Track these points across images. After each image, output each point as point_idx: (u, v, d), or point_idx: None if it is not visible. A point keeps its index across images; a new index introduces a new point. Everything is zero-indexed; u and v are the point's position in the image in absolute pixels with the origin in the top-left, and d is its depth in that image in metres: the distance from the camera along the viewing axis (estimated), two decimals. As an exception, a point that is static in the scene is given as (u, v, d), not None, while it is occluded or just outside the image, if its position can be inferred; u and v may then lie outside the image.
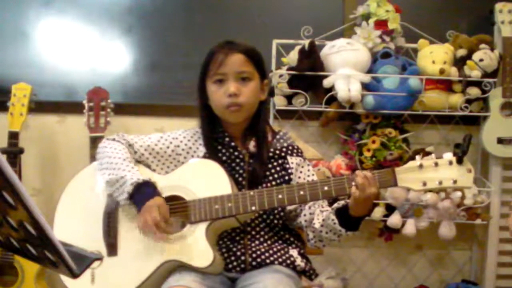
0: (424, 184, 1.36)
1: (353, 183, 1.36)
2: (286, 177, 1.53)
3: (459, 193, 2.29)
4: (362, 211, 1.40)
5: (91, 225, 1.47)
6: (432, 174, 1.36)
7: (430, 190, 1.73)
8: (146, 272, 1.40)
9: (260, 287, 1.32)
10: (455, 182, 1.35)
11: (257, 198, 1.40)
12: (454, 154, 1.36)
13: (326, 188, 1.39)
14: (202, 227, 1.41)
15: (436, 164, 1.36)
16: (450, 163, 1.36)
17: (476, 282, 2.54)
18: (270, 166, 1.53)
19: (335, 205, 1.47)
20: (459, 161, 1.35)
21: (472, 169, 1.36)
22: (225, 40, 1.52)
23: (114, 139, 1.54)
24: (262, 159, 1.52)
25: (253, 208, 1.40)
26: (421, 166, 1.36)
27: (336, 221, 1.43)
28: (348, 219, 1.41)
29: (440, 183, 1.36)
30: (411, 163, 1.38)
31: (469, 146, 1.34)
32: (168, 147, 1.54)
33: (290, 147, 1.57)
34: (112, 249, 1.45)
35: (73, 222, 1.50)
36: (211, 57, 1.50)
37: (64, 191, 1.55)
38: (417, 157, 1.39)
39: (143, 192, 1.40)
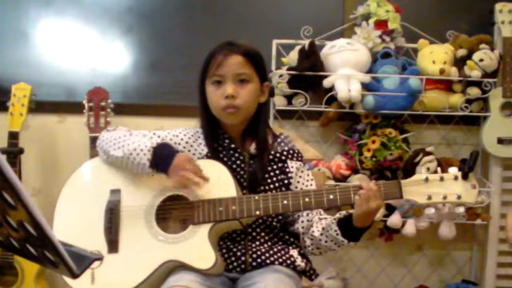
0: (429, 198, 1.38)
1: (358, 193, 1.36)
2: (286, 181, 1.53)
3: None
4: (366, 222, 1.40)
5: (92, 221, 1.47)
6: (437, 189, 1.38)
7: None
8: (146, 271, 1.40)
9: (260, 287, 1.33)
10: (459, 197, 1.37)
11: (261, 203, 1.40)
12: (460, 169, 1.38)
13: (331, 196, 1.40)
14: (205, 229, 1.41)
15: (442, 179, 1.38)
16: (456, 178, 1.38)
17: (476, 282, 2.54)
18: (269, 169, 1.53)
19: (337, 215, 1.47)
20: (465, 176, 1.37)
21: (476, 185, 1.37)
22: (226, 40, 1.51)
23: (114, 129, 1.55)
24: (262, 162, 1.51)
25: (257, 212, 1.40)
26: (426, 179, 1.38)
27: (338, 231, 1.43)
28: (350, 230, 1.42)
29: (445, 197, 1.37)
30: (417, 176, 1.40)
31: (476, 163, 1.36)
32: None
33: (291, 151, 1.57)
34: (113, 246, 1.44)
35: (74, 218, 1.49)
36: (210, 58, 1.49)
37: (64, 187, 1.53)
38: (423, 170, 1.40)
39: (163, 154, 1.40)
